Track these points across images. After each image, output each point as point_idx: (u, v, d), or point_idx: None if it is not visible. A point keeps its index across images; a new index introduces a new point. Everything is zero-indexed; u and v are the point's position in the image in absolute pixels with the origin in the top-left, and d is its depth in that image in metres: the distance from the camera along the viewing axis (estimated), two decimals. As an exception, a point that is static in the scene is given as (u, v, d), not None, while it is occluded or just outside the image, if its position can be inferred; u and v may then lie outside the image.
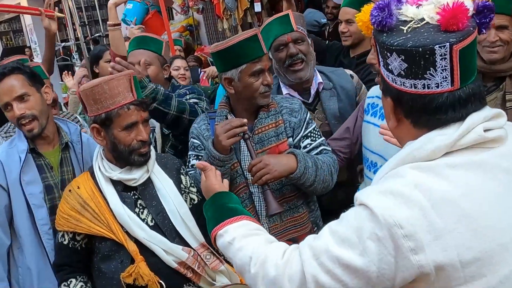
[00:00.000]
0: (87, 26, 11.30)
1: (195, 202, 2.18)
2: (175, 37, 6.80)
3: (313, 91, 2.70)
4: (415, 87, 1.15)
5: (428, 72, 1.13)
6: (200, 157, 2.28)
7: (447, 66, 1.11)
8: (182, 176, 2.19)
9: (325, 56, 3.48)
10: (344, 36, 3.21)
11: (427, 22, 1.16)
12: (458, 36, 1.11)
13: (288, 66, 2.62)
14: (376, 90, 2.41)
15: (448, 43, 1.10)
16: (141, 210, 2.04)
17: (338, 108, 2.68)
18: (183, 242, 2.06)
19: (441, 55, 1.11)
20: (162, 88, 2.57)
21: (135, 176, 2.03)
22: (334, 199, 2.60)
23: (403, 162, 1.18)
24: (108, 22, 3.21)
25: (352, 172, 2.68)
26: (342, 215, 1.21)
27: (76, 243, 2.05)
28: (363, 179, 2.47)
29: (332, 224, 1.21)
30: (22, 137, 2.31)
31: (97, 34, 10.80)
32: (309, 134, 2.31)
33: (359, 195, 1.17)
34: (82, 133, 2.51)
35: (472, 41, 1.13)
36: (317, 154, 2.28)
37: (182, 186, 2.16)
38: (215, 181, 1.64)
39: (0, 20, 15.88)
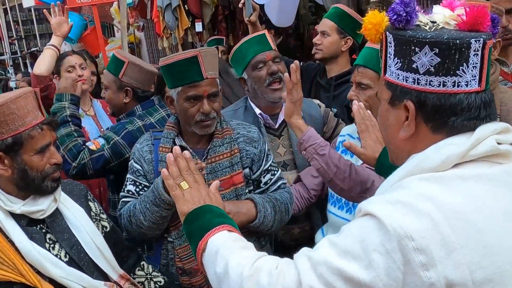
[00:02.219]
0: (24, 40, 10.91)
1: (107, 229, 2.02)
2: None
3: (281, 117, 2.58)
4: (444, 85, 1.10)
5: (461, 67, 1.09)
6: (138, 183, 2.12)
7: (477, 63, 1.09)
8: (90, 203, 2.02)
9: (301, 78, 3.44)
10: (317, 48, 3.13)
11: (443, 27, 1.14)
12: (487, 34, 1.11)
13: (268, 85, 2.52)
14: (347, 129, 2.41)
15: (482, 38, 1.09)
16: (52, 245, 1.80)
17: None
18: (102, 276, 1.89)
19: (475, 50, 1.09)
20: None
21: (42, 207, 1.78)
22: (290, 235, 2.55)
23: (411, 173, 1.11)
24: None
25: (308, 207, 2.59)
26: (343, 227, 1.12)
27: None
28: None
29: (331, 236, 1.12)
30: None
31: (34, 48, 10.48)
32: (269, 168, 2.20)
33: (363, 205, 1.09)
34: None
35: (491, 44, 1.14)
36: (276, 189, 2.19)
37: (92, 213, 1.99)
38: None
39: None
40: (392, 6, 1.16)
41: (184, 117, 2.08)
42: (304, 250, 1.16)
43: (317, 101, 2.78)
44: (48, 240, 1.80)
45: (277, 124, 2.62)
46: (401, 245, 0.99)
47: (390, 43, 1.18)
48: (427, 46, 1.10)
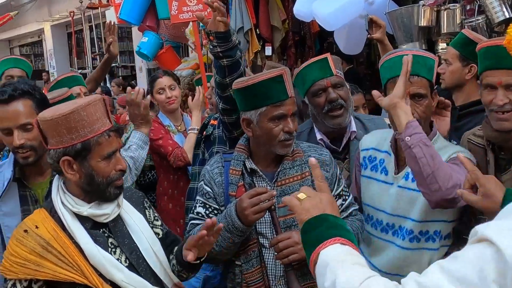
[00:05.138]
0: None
1: (160, 236, 2.02)
2: (188, 74, 6.90)
3: (345, 140, 2.54)
4: None
5: None
6: (208, 205, 2.11)
7: None
8: (146, 210, 2.04)
9: None
10: (441, 78, 2.96)
11: None
12: None
13: (327, 112, 2.45)
14: (368, 141, 2.29)
15: None
16: (114, 250, 1.81)
17: None
18: (158, 283, 1.88)
19: None
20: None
21: (107, 211, 1.81)
22: None
23: None
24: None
25: None
26: (456, 253, 1.05)
27: None
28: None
29: (443, 261, 1.05)
30: (10, 164, 2.15)
31: (113, 64, 11.02)
32: (341, 193, 2.13)
33: (482, 229, 1.01)
34: None
35: None
36: (347, 216, 2.12)
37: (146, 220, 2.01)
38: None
39: (23, 43, 16.32)
40: None
41: (266, 137, 2.03)
42: (413, 275, 1.09)
43: (388, 120, 2.72)
44: (110, 245, 1.82)
45: (341, 147, 2.55)
46: None
47: None
48: None
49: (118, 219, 1.87)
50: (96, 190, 1.77)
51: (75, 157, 1.71)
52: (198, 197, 2.16)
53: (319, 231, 1.31)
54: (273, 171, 2.08)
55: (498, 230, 0.98)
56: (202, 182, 2.16)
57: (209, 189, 2.11)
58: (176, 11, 5.04)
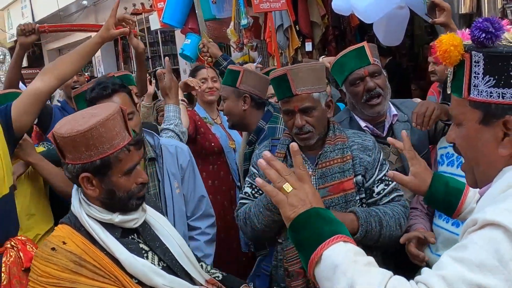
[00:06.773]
0: (150, 60, 11.79)
1: None
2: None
3: (387, 124, 2.59)
4: None
5: None
6: (254, 185, 2.28)
7: None
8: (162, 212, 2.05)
9: None
10: None
11: None
12: None
13: (366, 101, 2.50)
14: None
15: None
16: (146, 255, 1.78)
17: (411, 141, 2.59)
18: (193, 283, 1.88)
19: None
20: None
21: (135, 216, 1.76)
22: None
23: None
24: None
25: None
26: (462, 243, 1.08)
27: None
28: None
29: (452, 253, 1.08)
30: None
31: (158, 68, 11.29)
32: (383, 178, 2.19)
33: (481, 216, 1.06)
34: (167, 144, 2.51)
35: None
36: (389, 201, 2.17)
37: None
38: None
39: (73, 51, 16.87)
40: (476, 25, 1.15)
41: (288, 128, 2.22)
42: (429, 271, 1.10)
43: (417, 100, 2.71)
44: (141, 250, 1.79)
45: (385, 132, 2.59)
46: None
47: (477, 62, 1.16)
48: None
49: (145, 223, 1.84)
50: (117, 203, 1.72)
51: (95, 173, 1.65)
52: (246, 178, 2.34)
53: (315, 228, 1.22)
54: (315, 154, 2.19)
55: (499, 213, 1.04)
56: (251, 166, 2.34)
57: (255, 171, 2.27)
58: (258, 1, 5.16)
